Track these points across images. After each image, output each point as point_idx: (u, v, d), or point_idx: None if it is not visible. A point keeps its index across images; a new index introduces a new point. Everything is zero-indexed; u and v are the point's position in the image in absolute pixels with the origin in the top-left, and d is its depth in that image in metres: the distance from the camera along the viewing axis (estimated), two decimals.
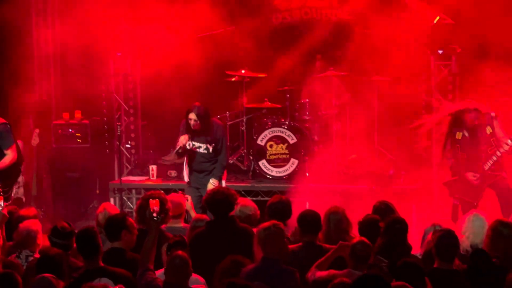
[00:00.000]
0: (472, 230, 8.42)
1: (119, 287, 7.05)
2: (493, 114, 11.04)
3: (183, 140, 11.29)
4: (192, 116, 11.27)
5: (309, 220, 8.26)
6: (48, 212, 13.42)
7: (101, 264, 7.52)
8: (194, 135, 11.36)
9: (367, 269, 7.47)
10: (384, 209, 8.89)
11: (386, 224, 8.12)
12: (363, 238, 7.65)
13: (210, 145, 11.39)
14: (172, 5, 13.70)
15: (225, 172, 11.72)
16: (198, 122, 11.27)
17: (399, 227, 8.11)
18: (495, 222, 8.21)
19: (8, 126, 11.18)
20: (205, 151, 11.42)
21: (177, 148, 11.33)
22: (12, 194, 11.41)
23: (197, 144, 11.40)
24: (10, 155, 11.14)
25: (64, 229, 8.04)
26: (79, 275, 7.43)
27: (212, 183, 11.29)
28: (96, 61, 13.92)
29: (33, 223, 8.47)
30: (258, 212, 9.23)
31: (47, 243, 8.17)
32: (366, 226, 8.38)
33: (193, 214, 9.92)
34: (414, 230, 11.33)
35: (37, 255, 8.23)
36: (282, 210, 8.88)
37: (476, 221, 8.52)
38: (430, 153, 13.14)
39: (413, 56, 12.84)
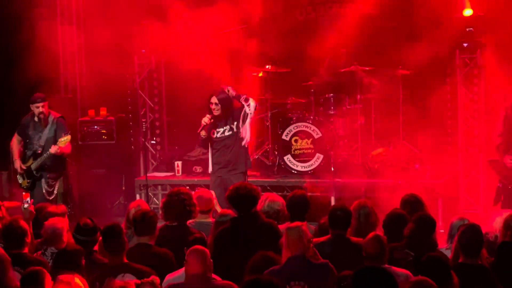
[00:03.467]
0: None
1: (152, 278, 7.11)
2: None
3: (205, 119, 11.16)
4: (214, 99, 11.17)
5: (339, 214, 8.25)
6: (75, 209, 13.49)
7: (125, 260, 7.56)
8: (215, 121, 11.25)
9: (389, 263, 7.45)
10: (413, 202, 8.88)
11: (413, 220, 8.08)
12: (378, 233, 7.61)
13: (233, 123, 11.23)
14: (196, 2, 13.72)
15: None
16: (219, 106, 11.15)
17: (426, 223, 8.07)
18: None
19: (64, 119, 11.81)
20: (230, 132, 11.28)
21: (200, 128, 11.21)
22: (56, 190, 11.64)
23: (220, 130, 11.29)
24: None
25: (86, 226, 8.08)
26: (103, 270, 7.50)
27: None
28: (121, 58, 13.96)
29: (59, 221, 8.50)
30: None
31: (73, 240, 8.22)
32: (391, 221, 8.36)
33: (218, 208, 9.92)
34: (440, 224, 11.35)
35: None
36: (299, 204, 8.88)
37: None
38: (456, 146, 13.09)
39: (438, 49, 12.77)
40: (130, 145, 14.70)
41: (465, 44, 12.75)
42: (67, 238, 8.40)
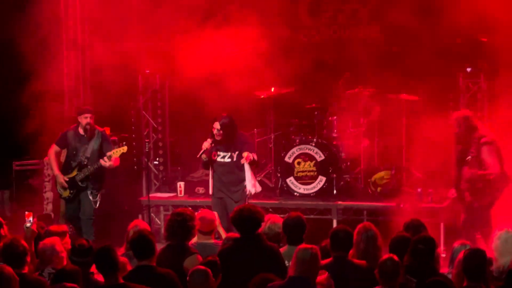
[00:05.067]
0: (499, 249, 8.32)
1: None
2: (485, 140, 10.72)
3: (206, 144, 11.37)
4: (216, 125, 11.36)
5: (341, 236, 8.25)
6: (77, 229, 13.45)
7: (121, 281, 7.51)
8: (217, 144, 11.42)
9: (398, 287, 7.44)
10: (416, 226, 8.85)
11: (411, 244, 8.06)
12: (392, 255, 7.61)
13: (234, 152, 11.41)
14: (201, 24, 13.75)
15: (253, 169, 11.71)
16: (221, 132, 11.32)
17: (424, 248, 8.03)
18: None
19: (107, 133, 12.17)
20: (229, 160, 11.46)
21: (200, 152, 11.38)
22: (99, 200, 11.72)
23: (221, 154, 11.46)
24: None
25: (82, 247, 8.06)
26: None
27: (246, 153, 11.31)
28: (125, 78, 13.99)
29: (51, 241, 8.42)
30: None
31: None
32: (398, 244, 8.32)
33: (220, 230, 9.89)
34: (442, 249, 11.31)
35: None
36: (294, 226, 8.84)
37: (503, 239, 8.40)
38: None
39: (442, 73, 12.78)
40: (133, 165, 14.70)
41: (468, 69, 12.77)
42: (61, 258, 8.37)
